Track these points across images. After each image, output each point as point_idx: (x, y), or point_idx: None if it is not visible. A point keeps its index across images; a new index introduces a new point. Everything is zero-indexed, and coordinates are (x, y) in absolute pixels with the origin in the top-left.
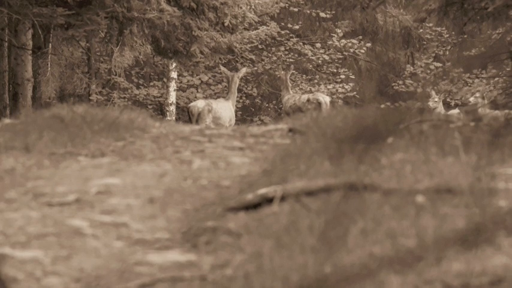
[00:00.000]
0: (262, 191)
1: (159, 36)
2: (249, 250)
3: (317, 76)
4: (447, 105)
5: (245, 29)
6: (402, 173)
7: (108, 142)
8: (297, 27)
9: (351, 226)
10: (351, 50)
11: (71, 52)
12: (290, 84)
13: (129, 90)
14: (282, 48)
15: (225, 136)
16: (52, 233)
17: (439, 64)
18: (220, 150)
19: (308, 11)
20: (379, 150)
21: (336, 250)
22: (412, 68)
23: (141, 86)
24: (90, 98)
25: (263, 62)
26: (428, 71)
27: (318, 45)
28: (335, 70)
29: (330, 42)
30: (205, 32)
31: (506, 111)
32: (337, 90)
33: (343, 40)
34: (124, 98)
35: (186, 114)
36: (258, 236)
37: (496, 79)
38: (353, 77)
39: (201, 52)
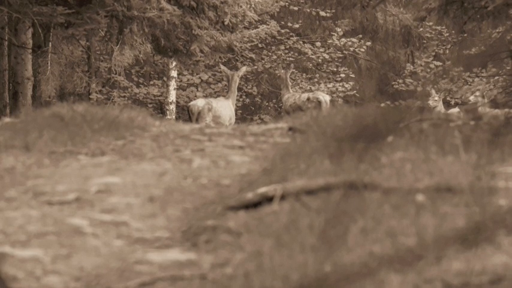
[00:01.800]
0: (262, 189)
1: (159, 35)
2: (249, 249)
3: (317, 75)
4: (447, 104)
5: (245, 27)
6: (402, 172)
7: (108, 141)
8: (297, 26)
9: (351, 225)
10: (351, 49)
11: (71, 51)
12: (290, 83)
13: (129, 89)
14: (282, 47)
15: (225, 135)
16: (52, 231)
17: (439, 63)
18: (220, 149)
19: (308, 10)
20: (379, 149)
21: (336, 249)
22: (412, 66)
23: (141, 85)
24: (90, 96)
25: (263, 61)
26: (429, 70)
27: (318, 44)
28: (335, 69)
29: (330, 41)
30: (205, 31)
31: (506, 110)
32: (337, 89)
33: (343, 39)
34: (124, 96)
35: (186, 113)
36: (258, 235)
37: (496, 78)
38: (353, 76)
39: (201, 51)
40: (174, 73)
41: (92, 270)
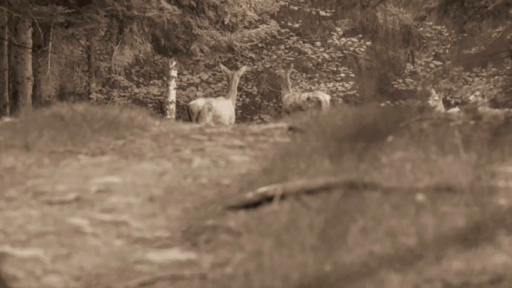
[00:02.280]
0: (262, 189)
1: (159, 34)
2: (249, 249)
3: (317, 75)
4: (447, 104)
5: (245, 27)
6: (402, 172)
7: (108, 141)
8: (297, 25)
9: (351, 225)
10: (351, 49)
11: (71, 50)
12: (290, 83)
13: (129, 89)
14: (282, 47)
15: (225, 134)
16: (52, 231)
17: (439, 62)
18: (220, 148)
19: (308, 10)
20: (379, 149)
21: (336, 249)
22: (412, 66)
23: (141, 85)
24: (90, 96)
25: (263, 61)
26: (429, 70)
27: (318, 43)
28: (335, 69)
29: (330, 41)
30: (205, 31)
31: (506, 109)
32: (337, 88)
33: (343, 38)
34: (124, 96)
35: (186, 113)
36: (258, 235)
37: (496, 77)
38: (353, 76)
39: (201, 50)
40: (174, 73)
41: (92, 270)
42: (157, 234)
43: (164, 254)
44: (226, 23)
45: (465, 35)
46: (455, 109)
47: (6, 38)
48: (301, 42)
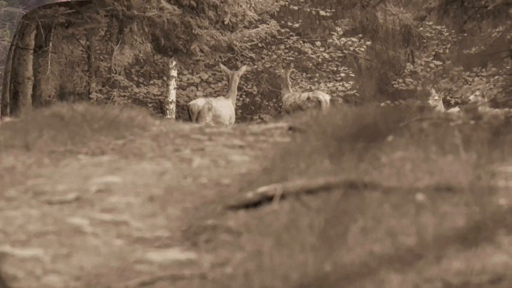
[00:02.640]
0: (262, 189)
1: (159, 34)
2: (249, 248)
3: (317, 74)
4: (447, 104)
5: (245, 27)
6: (402, 172)
7: (108, 140)
8: (297, 25)
9: (351, 224)
10: (351, 48)
11: (71, 50)
12: (290, 83)
13: (129, 89)
14: (282, 47)
15: (225, 134)
16: (52, 231)
17: (439, 62)
18: (220, 148)
19: (308, 9)
20: (379, 149)
21: (336, 248)
22: (412, 66)
23: (141, 84)
24: (90, 96)
25: (263, 60)
26: (429, 69)
27: (318, 43)
28: (335, 68)
29: (330, 41)
30: (205, 31)
31: (506, 109)
32: (337, 88)
33: (343, 38)
34: (124, 96)
35: (186, 113)
36: (258, 234)
37: (496, 77)
38: (353, 75)
39: (201, 50)
40: (174, 72)
41: (92, 270)
42: (157, 234)
43: (164, 253)
44: (226, 22)
45: (465, 34)
46: (455, 109)
47: (15, 43)
48: (301, 42)
